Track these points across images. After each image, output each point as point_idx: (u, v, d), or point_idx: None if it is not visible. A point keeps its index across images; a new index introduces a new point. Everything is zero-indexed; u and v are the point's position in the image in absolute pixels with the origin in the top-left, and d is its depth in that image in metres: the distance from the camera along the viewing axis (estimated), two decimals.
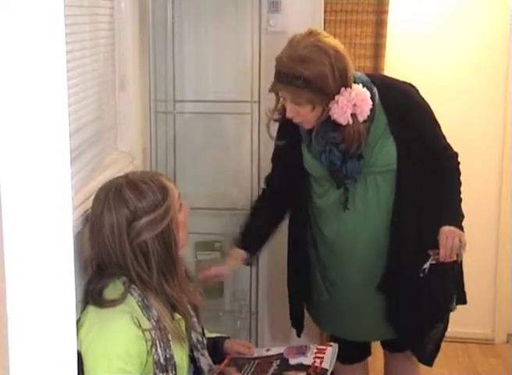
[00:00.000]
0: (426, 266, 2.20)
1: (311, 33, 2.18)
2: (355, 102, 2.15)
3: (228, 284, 3.05)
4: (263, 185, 2.55)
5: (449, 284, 2.44)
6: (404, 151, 2.26)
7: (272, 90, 2.24)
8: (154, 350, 1.73)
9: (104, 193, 1.83)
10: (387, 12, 3.11)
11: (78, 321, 1.74)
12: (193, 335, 1.92)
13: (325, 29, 3.02)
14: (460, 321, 3.60)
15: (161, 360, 1.75)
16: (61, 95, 0.95)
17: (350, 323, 2.45)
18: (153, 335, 1.73)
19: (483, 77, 3.54)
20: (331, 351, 2.10)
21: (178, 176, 2.91)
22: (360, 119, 2.18)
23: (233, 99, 2.90)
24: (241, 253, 2.44)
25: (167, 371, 1.76)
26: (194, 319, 1.95)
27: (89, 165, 2.14)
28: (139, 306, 1.76)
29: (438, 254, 2.19)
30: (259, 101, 2.78)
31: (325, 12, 3.04)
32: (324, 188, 2.34)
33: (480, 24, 3.50)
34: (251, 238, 2.46)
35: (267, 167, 2.77)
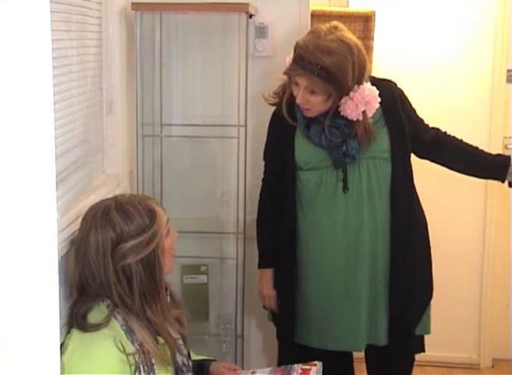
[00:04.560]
0: None
1: (336, 27, 2.27)
2: (368, 99, 2.26)
3: (213, 308, 3.04)
4: (257, 204, 2.59)
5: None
6: (396, 141, 2.36)
7: (290, 73, 2.29)
8: (137, 374, 1.72)
9: (92, 214, 1.83)
10: (373, 38, 3.13)
11: (62, 345, 1.73)
12: (179, 358, 1.91)
13: None
14: (445, 345, 3.62)
15: None
16: (47, 118, 0.96)
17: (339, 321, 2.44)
18: (136, 359, 1.73)
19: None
20: (315, 370, 2.10)
21: (164, 200, 2.91)
22: (369, 115, 2.30)
23: (220, 123, 2.91)
24: (270, 271, 2.54)
25: None
26: (180, 342, 1.94)
27: (75, 187, 2.14)
28: (123, 330, 1.76)
29: None
30: (246, 126, 2.79)
31: None
32: (317, 177, 2.38)
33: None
34: (270, 254, 2.53)
35: (254, 191, 2.78)
